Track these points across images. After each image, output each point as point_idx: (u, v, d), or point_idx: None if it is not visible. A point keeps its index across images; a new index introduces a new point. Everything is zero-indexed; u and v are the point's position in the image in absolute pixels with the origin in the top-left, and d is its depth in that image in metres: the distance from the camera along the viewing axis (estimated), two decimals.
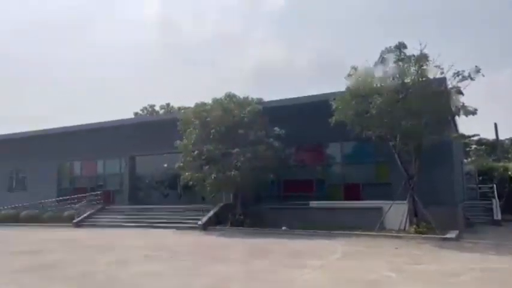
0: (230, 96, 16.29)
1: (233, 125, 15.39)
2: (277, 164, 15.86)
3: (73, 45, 61.37)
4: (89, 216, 19.88)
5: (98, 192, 22.10)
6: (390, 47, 13.07)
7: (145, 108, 42.68)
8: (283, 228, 14.64)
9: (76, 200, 21.60)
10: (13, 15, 60.30)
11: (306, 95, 16.62)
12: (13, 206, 23.10)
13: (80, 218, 19.58)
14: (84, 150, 23.40)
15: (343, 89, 13.59)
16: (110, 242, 12.93)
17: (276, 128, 15.61)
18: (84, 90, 62.32)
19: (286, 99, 17.10)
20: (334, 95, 13.83)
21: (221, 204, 17.36)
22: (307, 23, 64.99)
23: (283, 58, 65.01)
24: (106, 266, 8.45)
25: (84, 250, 11.23)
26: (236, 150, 14.91)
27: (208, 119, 15.35)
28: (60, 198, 22.86)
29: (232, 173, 14.52)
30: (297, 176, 17.91)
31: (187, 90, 60.99)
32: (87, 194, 21.88)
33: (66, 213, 20.45)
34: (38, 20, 60.77)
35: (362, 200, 15.91)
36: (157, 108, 42.64)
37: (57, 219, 20.32)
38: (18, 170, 26.14)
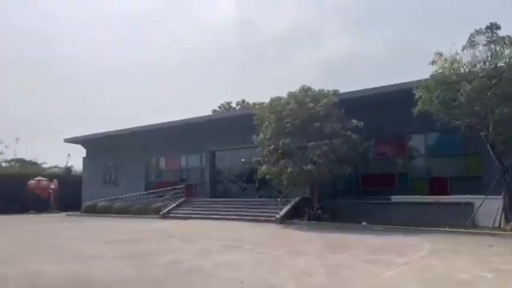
0: (305, 90, 16.17)
1: (309, 118, 15.27)
2: (355, 157, 15.45)
3: (152, 46, 65.27)
4: (173, 208, 21.11)
5: (182, 185, 23.35)
6: (480, 28, 12.00)
7: (222, 105, 44.07)
8: (363, 223, 14.24)
9: (161, 193, 23.09)
10: (93, 15, 65.72)
11: (384, 84, 15.93)
12: (107, 198, 25.37)
13: (165, 210, 20.88)
14: (169, 146, 24.88)
15: (424, 77, 12.80)
16: (193, 233, 13.61)
17: (354, 120, 15.19)
18: (166, 90, 66.03)
19: (363, 90, 16.54)
20: (416, 83, 13.08)
21: (298, 198, 17.37)
22: (382, 9, 62.08)
23: (358, 48, 62.90)
24: (191, 255, 8.91)
25: (170, 240, 11.95)
26: (312, 143, 14.78)
27: (283, 113, 15.39)
28: (148, 191, 24.57)
29: (308, 166, 14.43)
30: (376, 170, 17.31)
31: (262, 86, 61.77)
32: (172, 187, 23.22)
33: (153, 206, 21.95)
34: (112, 19, 65.56)
35: (449, 194, 14.88)
36: (233, 104, 43.82)
37: (145, 211, 21.91)
38: (112, 166, 28.57)
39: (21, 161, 35.77)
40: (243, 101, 43.39)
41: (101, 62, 62.51)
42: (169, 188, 23.26)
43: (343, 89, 16.76)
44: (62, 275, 6.98)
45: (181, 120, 23.55)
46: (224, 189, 23.52)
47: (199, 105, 61.48)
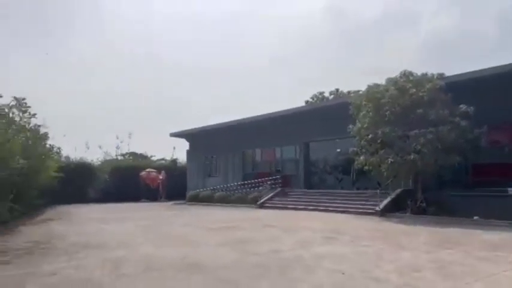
0: (406, 74, 15.19)
1: (410, 104, 14.34)
2: (464, 146, 14.13)
3: (243, 38, 66.88)
4: (270, 199, 21.57)
5: (277, 176, 23.74)
6: None
7: (315, 95, 43.62)
8: (475, 218, 13.02)
9: (257, 184, 23.75)
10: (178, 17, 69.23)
11: (495, 65, 14.25)
12: (209, 188, 26.92)
13: (262, 200, 21.44)
14: (264, 138, 25.46)
15: None
16: (290, 223, 13.75)
17: (462, 106, 13.87)
18: (256, 82, 67.41)
19: (471, 72, 14.99)
20: None
21: (399, 190, 16.50)
22: None
23: (460, 28, 57.15)
24: (291, 245, 9.02)
25: (269, 229, 12.23)
26: (415, 132, 13.88)
27: (382, 100, 14.67)
28: (244, 182, 25.45)
29: (412, 156, 13.58)
30: (489, 159, 15.66)
31: (355, 74, 59.64)
32: (268, 178, 23.74)
33: (250, 196, 22.69)
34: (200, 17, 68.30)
35: None
36: (326, 94, 43.09)
37: (243, 200, 22.75)
38: (212, 158, 30.21)
39: (134, 155, 39.62)
40: (337, 90, 42.41)
41: (198, 63, 65.99)
42: (264, 178, 23.81)
43: (448, 72, 15.40)
44: (173, 259, 7.57)
45: (275, 113, 23.86)
46: (319, 180, 23.34)
47: (291, 98, 61.63)
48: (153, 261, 7.40)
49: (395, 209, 15.52)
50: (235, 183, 25.84)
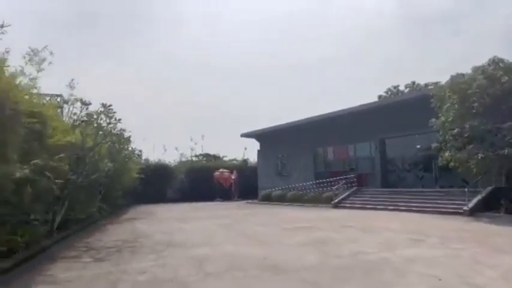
0: (495, 62, 13.82)
1: (501, 94, 13.03)
2: None
3: (312, 33, 65.99)
4: (345, 198, 20.95)
5: (351, 175, 23.00)
6: None
7: (389, 89, 41.72)
8: None
9: (330, 183, 23.20)
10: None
11: None
12: (280, 188, 26.87)
13: (337, 200, 20.88)
14: (335, 136, 24.83)
15: None
16: (369, 223, 13.15)
17: None
18: (325, 79, 66.19)
19: None
20: None
21: (490, 187, 15.09)
22: None
23: None
24: (375, 247, 8.57)
25: (347, 229, 11.80)
26: (508, 124, 12.58)
27: (469, 91, 13.49)
28: (317, 181, 25.01)
29: (505, 151, 12.31)
30: None
31: (431, 65, 56.15)
32: (341, 177, 23.09)
33: (324, 195, 22.22)
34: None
35: None
36: (401, 87, 41.01)
37: (316, 200, 22.33)
38: (282, 157, 30.16)
39: (207, 155, 40.90)
40: (413, 83, 40.16)
41: (265, 62, 66.45)
42: (338, 177, 23.19)
43: None
44: (254, 258, 7.54)
45: (347, 109, 23.16)
46: (397, 178, 22.19)
47: (363, 93, 59.65)
48: (235, 260, 7.42)
49: (485, 209, 14.21)
50: (308, 183, 25.50)
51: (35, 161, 7.42)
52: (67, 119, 11.13)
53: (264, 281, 5.95)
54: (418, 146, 20.80)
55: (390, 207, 17.36)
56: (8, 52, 6.71)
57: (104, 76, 55.09)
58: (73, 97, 11.46)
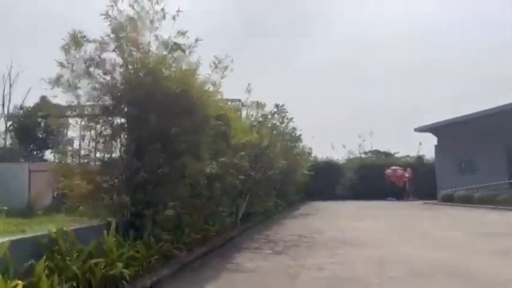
0: None
1: None
2: None
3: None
4: None
5: None
6: None
7: None
8: None
9: None
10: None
11: None
12: (465, 187, 23.78)
13: None
14: None
15: None
16: None
17: None
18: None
19: None
20: None
21: None
22: None
23: None
24: None
25: None
26: None
27: None
28: None
29: None
30: None
31: None
32: None
33: None
34: None
35: None
36: None
37: None
38: (466, 153, 26.63)
39: (377, 152, 39.35)
40: None
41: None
42: None
43: None
44: (438, 264, 6.76)
45: None
46: None
47: None
48: (416, 264, 6.78)
49: None
50: (501, 182, 21.87)
51: (222, 159, 8.27)
52: (245, 120, 12.15)
53: None
54: None
55: None
56: (198, 63, 7.61)
57: (275, 77, 58.56)
58: (250, 100, 12.46)
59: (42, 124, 25.74)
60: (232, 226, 11.29)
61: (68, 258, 4.91)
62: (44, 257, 4.59)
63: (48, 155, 26.51)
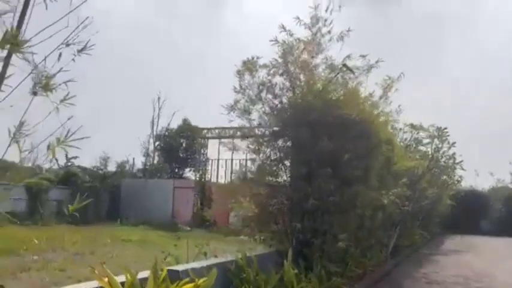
0: None
1: None
2: None
3: None
4: None
5: None
6: None
7: None
8: None
9: None
10: None
11: None
12: None
13: None
14: None
15: None
16: None
17: None
18: None
19: None
20: None
21: None
22: None
23: None
24: None
25: None
26: None
27: None
28: None
29: None
30: None
31: None
32: None
33: None
34: None
35: None
36: None
37: None
38: None
39: None
40: None
41: None
42: None
43: None
44: None
45: None
46: None
47: None
48: None
49: None
50: None
51: (395, 190, 7.56)
52: (400, 144, 11.15)
53: None
54: None
55: None
56: (367, 85, 7.13)
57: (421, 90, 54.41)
58: (402, 122, 11.43)
59: (184, 144, 27.94)
60: (383, 260, 10.35)
61: None
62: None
63: (187, 173, 28.60)
